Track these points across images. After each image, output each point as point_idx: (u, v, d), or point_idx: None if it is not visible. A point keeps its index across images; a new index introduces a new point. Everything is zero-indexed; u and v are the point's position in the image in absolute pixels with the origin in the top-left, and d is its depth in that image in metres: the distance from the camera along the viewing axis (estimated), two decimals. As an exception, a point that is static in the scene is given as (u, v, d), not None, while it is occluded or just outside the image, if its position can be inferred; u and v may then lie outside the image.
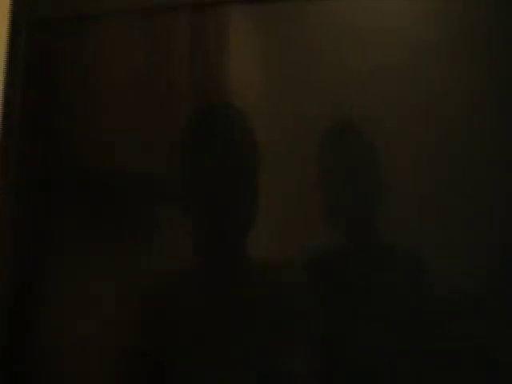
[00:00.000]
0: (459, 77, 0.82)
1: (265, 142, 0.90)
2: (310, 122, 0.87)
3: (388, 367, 0.79)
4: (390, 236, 0.84)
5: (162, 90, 0.90)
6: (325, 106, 0.86)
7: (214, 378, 0.83)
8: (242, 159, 0.91)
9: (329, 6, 0.80)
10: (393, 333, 0.79)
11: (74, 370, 0.86)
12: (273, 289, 0.86)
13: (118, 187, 0.91)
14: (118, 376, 0.86)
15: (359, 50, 0.82)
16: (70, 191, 0.92)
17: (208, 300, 0.88)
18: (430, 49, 0.81)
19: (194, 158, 0.92)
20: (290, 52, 0.85)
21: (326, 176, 0.88)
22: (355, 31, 0.82)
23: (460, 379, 0.77)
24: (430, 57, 0.81)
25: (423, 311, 0.80)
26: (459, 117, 0.83)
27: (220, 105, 0.92)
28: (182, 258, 0.90)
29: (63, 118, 0.90)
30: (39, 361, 0.88)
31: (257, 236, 0.88)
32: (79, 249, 0.91)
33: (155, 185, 0.92)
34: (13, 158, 0.87)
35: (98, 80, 0.87)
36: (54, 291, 0.91)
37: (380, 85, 0.83)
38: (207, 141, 0.93)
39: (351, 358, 0.80)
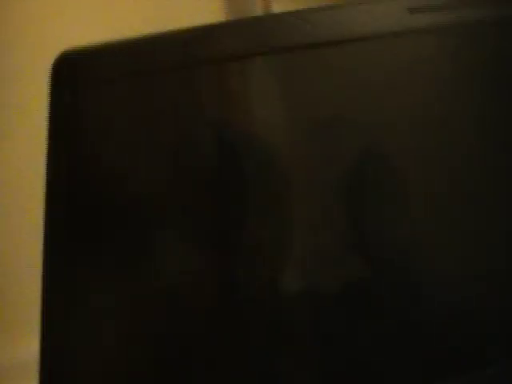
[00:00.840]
0: (477, 114, 0.86)
1: (290, 174, 0.92)
2: (333, 151, 0.90)
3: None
4: (422, 272, 0.88)
5: (183, 142, 0.93)
6: (350, 147, 0.89)
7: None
8: (264, 193, 0.92)
9: (349, 51, 0.84)
10: (399, 361, 0.83)
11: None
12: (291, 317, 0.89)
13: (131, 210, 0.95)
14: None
15: (381, 93, 0.86)
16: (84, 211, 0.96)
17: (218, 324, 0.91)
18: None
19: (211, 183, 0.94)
20: (313, 96, 0.88)
21: (351, 206, 0.91)
22: (377, 75, 0.85)
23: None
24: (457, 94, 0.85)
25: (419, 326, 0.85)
26: (481, 155, 0.87)
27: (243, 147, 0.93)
28: (195, 286, 0.93)
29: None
30: None
31: (277, 267, 0.92)
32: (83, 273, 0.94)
33: (170, 207, 0.96)
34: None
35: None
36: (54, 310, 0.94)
37: (407, 125, 0.87)
38: (232, 181, 0.95)
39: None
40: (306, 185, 0.94)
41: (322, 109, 0.92)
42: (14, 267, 1.34)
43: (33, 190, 0.92)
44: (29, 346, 0.93)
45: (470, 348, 0.82)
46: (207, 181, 0.98)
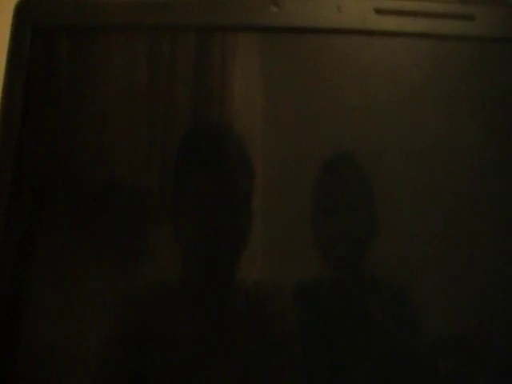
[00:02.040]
0: (459, 116, 0.86)
1: (261, 168, 0.92)
2: (307, 152, 0.89)
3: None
4: (380, 271, 0.88)
5: (161, 109, 0.92)
6: (324, 137, 0.88)
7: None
8: (237, 182, 0.92)
9: (334, 40, 0.83)
10: (377, 369, 0.84)
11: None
12: (257, 315, 0.89)
13: (110, 201, 0.94)
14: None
15: (361, 85, 0.85)
16: (63, 202, 0.95)
17: (192, 319, 0.91)
18: (429, 88, 0.85)
19: (189, 177, 0.93)
20: (292, 82, 0.87)
21: (321, 207, 0.91)
22: (359, 67, 0.85)
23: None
24: (429, 96, 0.85)
25: (409, 348, 0.85)
26: (459, 156, 0.86)
27: (218, 127, 0.93)
28: (170, 277, 0.93)
29: (61, 128, 0.93)
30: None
31: (247, 260, 0.92)
32: (67, 261, 0.94)
33: (148, 202, 0.95)
34: (9, 163, 0.89)
35: (98, 93, 0.90)
36: (38, 301, 0.94)
37: (380, 121, 0.86)
38: (203, 162, 0.95)
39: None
40: (267, 176, 0.94)
41: (298, 99, 0.91)
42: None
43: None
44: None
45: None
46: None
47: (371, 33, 0.76)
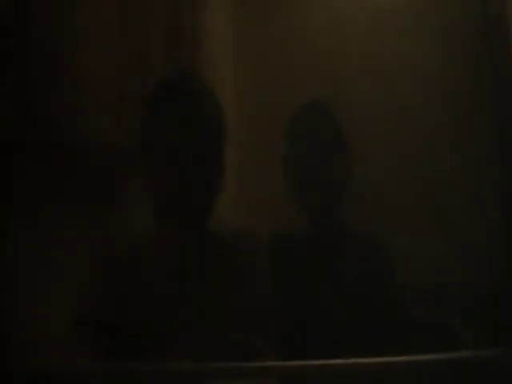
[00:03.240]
0: (442, 60, 0.83)
1: (233, 117, 0.89)
2: (279, 99, 0.87)
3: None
4: (357, 223, 0.85)
5: (132, 57, 0.89)
6: (296, 84, 0.86)
7: (174, 348, 0.84)
8: (208, 132, 0.91)
9: None
10: (352, 320, 0.81)
11: (39, 338, 0.87)
12: (231, 261, 0.87)
13: (81, 158, 0.91)
14: (80, 344, 0.87)
15: (337, 29, 0.82)
16: (34, 158, 0.92)
17: (167, 267, 0.89)
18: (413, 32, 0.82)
19: (160, 129, 0.91)
20: (266, 29, 0.85)
21: (294, 156, 0.88)
22: (335, 12, 0.81)
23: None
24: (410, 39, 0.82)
25: (382, 295, 0.82)
26: (438, 102, 0.83)
27: (191, 77, 0.91)
28: (145, 227, 0.90)
29: (28, 79, 0.89)
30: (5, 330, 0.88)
31: (221, 208, 0.89)
32: (43, 220, 0.91)
33: (120, 155, 0.92)
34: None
35: (71, 36, 0.87)
36: (17, 261, 0.91)
37: (354, 65, 0.84)
38: (174, 112, 0.92)
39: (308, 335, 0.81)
40: (247, 133, 0.89)
41: (272, 45, 0.86)
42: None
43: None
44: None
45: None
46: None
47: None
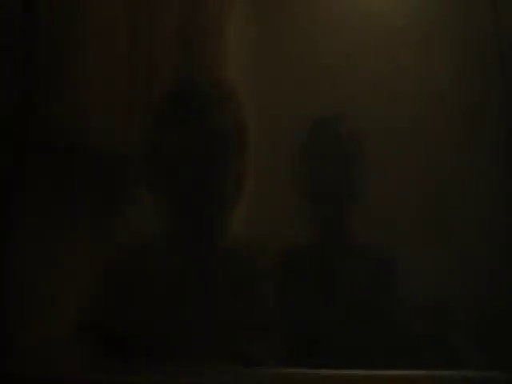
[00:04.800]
0: (448, 64, 0.82)
1: (248, 124, 0.88)
2: (295, 108, 0.86)
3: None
4: (364, 235, 0.85)
5: (142, 57, 0.87)
6: (313, 94, 0.85)
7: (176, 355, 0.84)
8: (222, 140, 0.87)
9: None
10: (358, 333, 0.81)
11: (40, 340, 0.87)
12: (238, 273, 0.86)
13: (91, 161, 0.90)
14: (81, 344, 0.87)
15: (350, 36, 0.81)
16: (40, 160, 0.91)
17: (170, 276, 0.88)
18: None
19: (172, 133, 0.88)
20: (283, 38, 0.84)
21: (307, 169, 0.88)
22: (351, 17, 0.81)
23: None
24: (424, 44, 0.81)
25: (389, 311, 0.82)
26: (448, 108, 0.83)
27: (207, 81, 0.88)
28: (153, 234, 0.90)
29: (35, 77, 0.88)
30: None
31: (232, 219, 0.89)
32: (45, 220, 0.90)
33: (129, 160, 0.91)
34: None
35: (76, 43, 0.86)
36: (19, 262, 0.90)
37: (370, 74, 0.83)
38: (187, 117, 0.90)
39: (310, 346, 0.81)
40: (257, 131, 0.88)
41: (288, 54, 0.86)
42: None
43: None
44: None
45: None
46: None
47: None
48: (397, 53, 0.82)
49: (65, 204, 0.90)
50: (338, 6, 0.85)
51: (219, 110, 0.84)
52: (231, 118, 0.85)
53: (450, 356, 0.80)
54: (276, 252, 0.86)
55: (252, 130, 0.86)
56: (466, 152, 0.85)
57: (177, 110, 0.86)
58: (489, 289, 0.80)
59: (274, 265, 0.85)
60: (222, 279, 0.84)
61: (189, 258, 0.86)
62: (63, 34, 0.86)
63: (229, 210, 0.85)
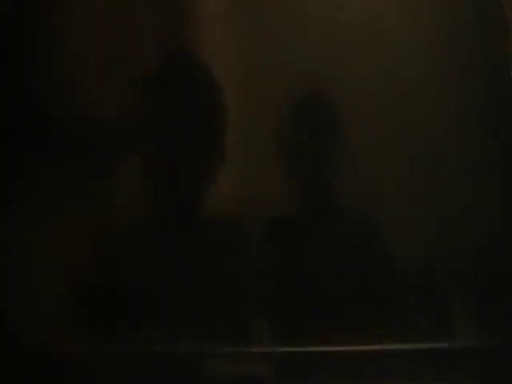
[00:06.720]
0: (429, 37, 0.80)
1: (228, 96, 0.86)
2: (275, 80, 0.84)
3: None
4: (351, 197, 0.85)
5: (126, 36, 0.85)
6: (293, 65, 0.83)
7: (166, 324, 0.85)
8: (204, 111, 0.88)
9: None
10: (347, 303, 0.82)
11: (29, 306, 0.87)
12: (224, 243, 0.87)
13: (78, 133, 0.87)
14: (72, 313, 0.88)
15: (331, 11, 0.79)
16: (31, 133, 0.88)
17: (159, 247, 0.89)
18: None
19: (156, 106, 0.88)
20: (261, 9, 0.81)
21: (288, 137, 0.87)
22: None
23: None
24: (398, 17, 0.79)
25: (379, 279, 0.83)
26: (428, 78, 0.81)
27: (185, 55, 0.88)
28: (138, 205, 0.89)
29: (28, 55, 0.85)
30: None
31: (216, 189, 0.88)
32: (39, 193, 0.88)
33: (115, 132, 0.89)
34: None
35: (62, 19, 0.83)
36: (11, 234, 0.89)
37: (346, 46, 0.81)
38: (171, 89, 0.88)
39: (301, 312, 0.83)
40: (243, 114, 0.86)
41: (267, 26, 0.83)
42: None
43: None
44: None
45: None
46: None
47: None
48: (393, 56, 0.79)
49: (53, 177, 0.88)
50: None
51: (204, 83, 0.85)
52: (215, 89, 0.85)
53: (438, 318, 0.83)
54: (263, 218, 0.86)
55: (236, 103, 0.84)
56: (455, 106, 0.84)
57: (163, 84, 0.86)
58: (478, 250, 0.81)
59: (261, 232, 0.85)
60: (209, 248, 0.85)
61: (175, 228, 0.87)
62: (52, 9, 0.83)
63: (215, 181, 0.86)
